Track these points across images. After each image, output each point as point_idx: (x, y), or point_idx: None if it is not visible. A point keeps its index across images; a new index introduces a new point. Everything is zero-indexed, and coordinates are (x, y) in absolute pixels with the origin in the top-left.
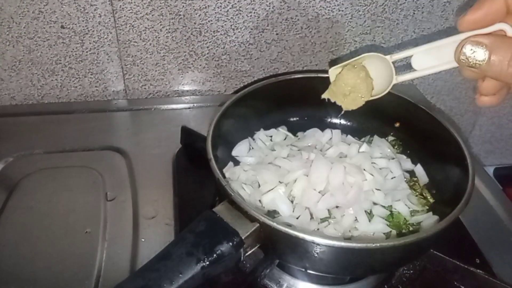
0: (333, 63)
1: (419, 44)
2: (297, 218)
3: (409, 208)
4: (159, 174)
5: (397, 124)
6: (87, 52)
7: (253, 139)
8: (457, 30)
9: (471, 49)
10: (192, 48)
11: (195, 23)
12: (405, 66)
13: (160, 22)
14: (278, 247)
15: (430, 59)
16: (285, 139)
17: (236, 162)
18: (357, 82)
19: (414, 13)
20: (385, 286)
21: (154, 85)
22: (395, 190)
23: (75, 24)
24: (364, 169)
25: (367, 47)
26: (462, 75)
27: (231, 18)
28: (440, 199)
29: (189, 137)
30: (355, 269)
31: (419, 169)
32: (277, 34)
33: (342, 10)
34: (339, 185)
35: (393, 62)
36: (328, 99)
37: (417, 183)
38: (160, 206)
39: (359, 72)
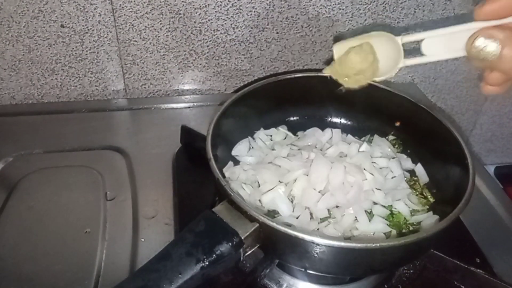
0: (337, 38)
1: (420, 42)
2: (297, 218)
3: (409, 207)
4: (159, 173)
5: (398, 123)
6: (87, 51)
7: (253, 139)
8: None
9: (484, 42)
10: (192, 47)
11: (195, 22)
12: (413, 50)
13: (160, 21)
14: (278, 247)
15: (441, 45)
16: (285, 138)
17: (236, 162)
18: (364, 66)
19: (415, 12)
20: (385, 286)
21: (154, 84)
22: (395, 190)
23: (75, 23)
24: (364, 169)
25: (377, 26)
26: (470, 63)
27: (231, 17)
28: (440, 198)
29: (189, 136)
30: (355, 269)
31: (419, 169)
32: (277, 33)
33: (343, 9)
34: (339, 184)
35: (403, 45)
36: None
37: (417, 183)
38: (160, 205)
39: (367, 56)
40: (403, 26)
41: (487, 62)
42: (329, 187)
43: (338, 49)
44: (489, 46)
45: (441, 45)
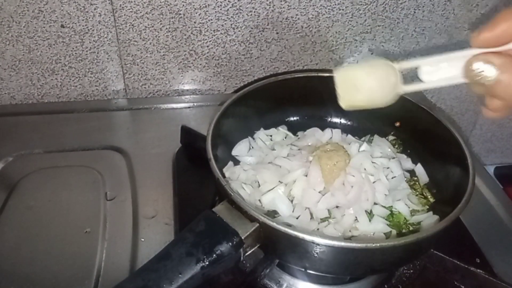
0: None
1: (420, 43)
2: (297, 218)
3: (409, 207)
4: (159, 173)
5: (398, 124)
6: (87, 51)
7: (253, 139)
8: (457, 29)
9: (481, 66)
10: (192, 47)
11: (195, 22)
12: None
13: (160, 21)
14: (278, 247)
15: (438, 71)
16: (285, 138)
17: (236, 162)
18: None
19: (414, 12)
20: (385, 286)
21: (154, 84)
22: (395, 190)
23: (75, 23)
24: (365, 169)
25: (377, 27)
26: (471, 91)
27: (231, 17)
28: (440, 198)
29: (189, 136)
30: (355, 269)
31: (419, 169)
32: (277, 33)
33: (343, 9)
34: (339, 185)
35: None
36: None
37: (417, 183)
38: (160, 205)
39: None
40: (403, 26)
41: (484, 86)
42: (329, 188)
43: (340, 76)
44: (486, 70)
45: (439, 71)
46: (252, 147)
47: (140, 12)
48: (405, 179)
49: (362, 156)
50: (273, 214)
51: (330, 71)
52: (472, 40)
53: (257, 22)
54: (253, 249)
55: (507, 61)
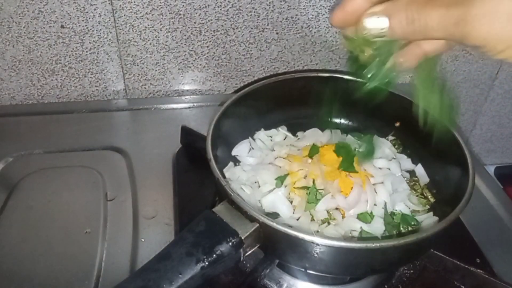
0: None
1: None
2: (297, 220)
3: (409, 208)
4: (159, 174)
5: (398, 124)
6: (87, 51)
7: (253, 139)
8: None
9: (371, 22)
10: (192, 48)
11: (195, 23)
12: None
13: (160, 21)
14: (278, 247)
15: None
16: (284, 139)
17: (236, 162)
18: None
19: None
20: (385, 286)
21: (154, 85)
22: (396, 191)
23: (75, 24)
24: (365, 169)
25: None
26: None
27: (231, 17)
28: (440, 198)
29: (189, 136)
30: (355, 269)
31: (419, 169)
32: (277, 33)
33: None
34: (338, 186)
35: None
36: None
37: (417, 183)
38: (160, 206)
39: None
40: None
41: (384, 37)
42: (329, 189)
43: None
44: (377, 23)
45: None
46: (252, 148)
47: (140, 13)
48: (405, 179)
49: None
50: (273, 216)
51: (330, 71)
52: (331, 20)
53: (257, 22)
54: (253, 249)
55: (389, 5)
